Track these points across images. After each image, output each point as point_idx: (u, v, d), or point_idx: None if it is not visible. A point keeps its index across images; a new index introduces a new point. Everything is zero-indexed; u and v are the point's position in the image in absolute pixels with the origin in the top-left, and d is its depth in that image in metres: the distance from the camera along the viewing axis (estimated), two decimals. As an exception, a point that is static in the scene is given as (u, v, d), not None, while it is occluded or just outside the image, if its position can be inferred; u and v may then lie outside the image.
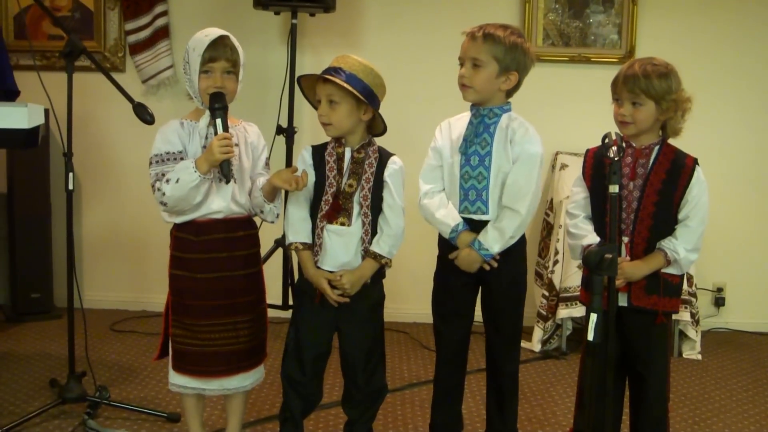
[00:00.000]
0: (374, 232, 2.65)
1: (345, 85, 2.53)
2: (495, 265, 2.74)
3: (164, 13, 4.76)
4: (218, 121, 2.57)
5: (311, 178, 2.66)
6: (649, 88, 2.54)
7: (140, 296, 4.90)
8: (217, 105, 2.57)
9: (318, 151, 2.69)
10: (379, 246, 2.63)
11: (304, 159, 2.70)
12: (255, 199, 2.69)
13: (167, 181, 2.55)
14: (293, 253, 2.72)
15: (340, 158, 2.64)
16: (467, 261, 2.73)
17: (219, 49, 2.59)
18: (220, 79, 2.60)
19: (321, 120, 2.61)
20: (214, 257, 2.64)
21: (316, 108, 2.70)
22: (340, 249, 2.63)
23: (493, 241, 2.69)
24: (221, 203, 2.63)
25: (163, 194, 2.56)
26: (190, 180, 2.53)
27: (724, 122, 4.80)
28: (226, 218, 2.65)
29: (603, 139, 2.38)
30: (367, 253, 2.63)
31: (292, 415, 2.73)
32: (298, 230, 2.66)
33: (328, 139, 2.70)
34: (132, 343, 4.31)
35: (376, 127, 2.70)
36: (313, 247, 2.65)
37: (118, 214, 4.94)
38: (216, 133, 2.57)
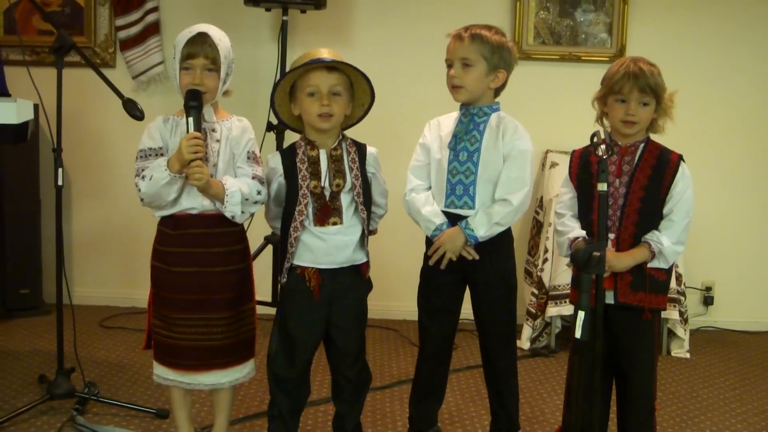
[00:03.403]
0: (369, 224, 2.71)
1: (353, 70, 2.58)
2: (476, 256, 2.75)
3: (155, 9, 4.74)
4: (190, 120, 2.53)
5: (281, 186, 2.68)
6: (656, 86, 2.57)
7: (130, 292, 4.89)
8: (192, 103, 2.54)
9: (288, 158, 2.67)
10: (371, 225, 2.76)
11: (274, 171, 2.68)
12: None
13: (143, 177, 2.56)
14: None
15: (313, 162, 2.63)
16: (450, 239, 2.73)
17: (197, 45, 2.57)
18: (200, 76, 2.57)
19: (325, 111, 2.57)
20: (189, 252, 2.63)
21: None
22: (338, 247, 2.64)
23: (480, 224, 2.70)
24: (193, 201, 2.61)
25: (139, 190, 2.58)
26: (161, 178, 2.52)
27: (714, 121, 4.81)
28: (202, 214, 2.62)
29: (591, 138, 2.39)
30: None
31: (280, 413, 2.73)
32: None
33: (295, 140, 2.71)
34: (121, 340, 4.30)
35: (346, 120, 2.72)
36: (288, 251, 2.65)
37: (108, 209, 4.93)
38: (188, 131, 2.54)
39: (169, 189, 2.55)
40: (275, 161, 2.69)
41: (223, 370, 2.70)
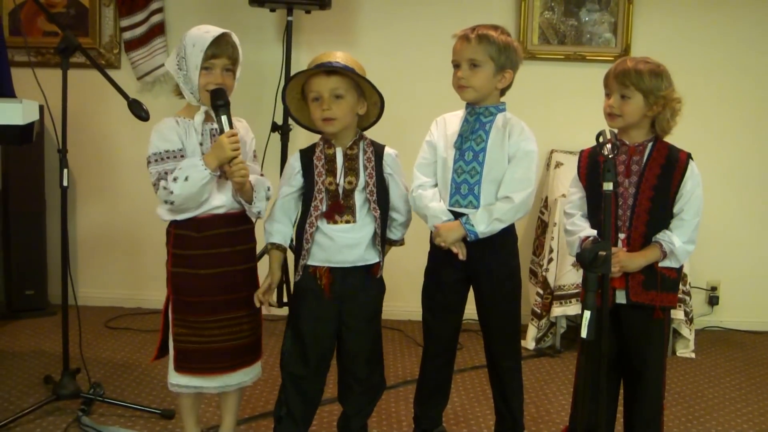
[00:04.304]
0: (383, 225, 2.70)
1: (348, 74, 2.57)
2: (463, 257, 2.75)
3: (160, 10, 4.75)
4: (224, 118, 2.56)
5: (298, 184, 2.68)
6: (639, 81, 2.58)
7: (135, 293, 4.90)
8: (221, 102, 2.56)
9: (306, 156, 2.69)
10: (394, 233, 2.80)
11: (291, 167, 2.71)
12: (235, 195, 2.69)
13: (175, 179, 2.52)
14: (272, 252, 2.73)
15: (330, 159, 2.64)
16: (447, 230, 2.73)
17: (222, 46, 2.59)
18: (221, 76, 2.60)
19: (326, 115, 2.59)
20: (216, 252, 2.65)
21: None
22: (349, 246, 2.64)
23: (480, 220, 2.70)
24: (223, 198, 2.63)
25: (171, 193, 2.53)
26: (201, 177, 2.51)
27: (719, 121, 4.80)
28: (227, 213, 2.65)
29: (597, 138, 2.39)
30: (387, 243, 2.77)
31: (289, 412, 2.72)
32: (271, 235, 2.70)
33: (315, 140, 2.71)
34: (127, 340, 4.31)
35: (364, 119, 2.73)
36: (303, 248, 2.65)
37: (113, 210, 4.93)
38: (223, 130, 2.56)
39: (206, 188, 2.56)
40: (295, 158, 2.71)
41: (247, 368, 2.76)
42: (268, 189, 2.71)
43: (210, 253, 2.64)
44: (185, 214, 2.62)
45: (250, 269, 2.77)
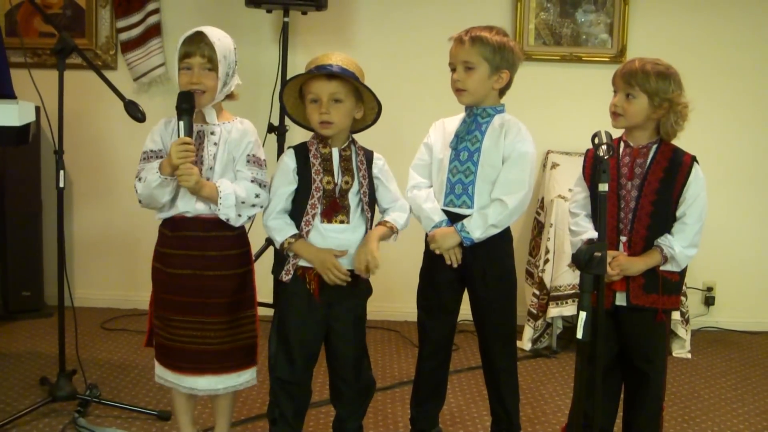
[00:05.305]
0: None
1: (351, 81, 2.55)
2: (455, 264, 2.77)
3: (156, 11, 4.75)
4: (181, 123, 2.52)
5: (295, 182, 2.62)
6: (645, 82, 2.58)
7: (131, 294, 4.89)
8: (184, 105, 2.53)
9: (300, 153, 2.65)
10: (392, 217, 2.70)
11: (287, 165, 2.64)
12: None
13: (139, 179, 2.59)
14: (288, 250, 2.62)
15: (326, 159, 2.63)
16: (443, 237, 2.75)
17: (194, 44, 2.56)
18: (197, 75, 2.57)
19: (324, 119, 2.56)
20: (186, 254, 2.64)
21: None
22: (343, 247, 2.61)
23: (475, 226, 2.72)
24: (187, 204, 2.60)
25: (136, 191, 2.61)
26: (153, 180, 2.54)
27: (716, 122, 4.80)
28: (197, 217, 2.62)
29: (592, 139, 2.39)
30: (379, 223, 2.69)
31: (281, 414, 2.72)
32: (284, 231, 2.61)
33: (306, 139, 2.70)
34: (123, 342, 4.30)
35: (360, 122, 2.72)
36: None
37: (110, 211, 4.93)
38: (179, 135, 2.53)
39: (161, 191, 2.56)
40: (289, 156, 2.66)
41: (218, 376, 2.68)
42: (257, 196, 2.61)
43: (180, 253, 2.64)
44: (161, 213, 2.67)
45: (228, 276, 2.67)
